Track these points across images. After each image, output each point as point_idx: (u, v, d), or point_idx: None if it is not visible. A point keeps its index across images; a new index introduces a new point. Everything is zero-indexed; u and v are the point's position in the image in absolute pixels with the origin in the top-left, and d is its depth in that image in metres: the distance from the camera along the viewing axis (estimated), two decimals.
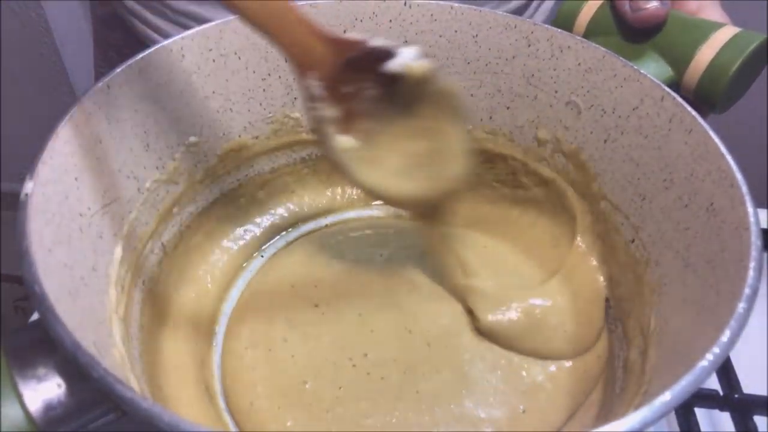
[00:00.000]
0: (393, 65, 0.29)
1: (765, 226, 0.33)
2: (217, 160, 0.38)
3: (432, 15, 0.38)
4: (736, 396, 0.34)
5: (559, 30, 0.36)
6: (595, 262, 0.37)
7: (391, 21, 0.38)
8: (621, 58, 0.34)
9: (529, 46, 0.37)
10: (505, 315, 0.35)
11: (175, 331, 0.34)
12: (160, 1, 0.47)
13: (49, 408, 0.23)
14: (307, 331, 0.35)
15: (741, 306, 0.22)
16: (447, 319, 0.36)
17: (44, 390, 0.23)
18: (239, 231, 0.41)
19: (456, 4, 0.37)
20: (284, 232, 0.42)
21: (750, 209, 0.26)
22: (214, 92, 0.36)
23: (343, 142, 0.30)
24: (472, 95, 0.39)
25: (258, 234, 0.41)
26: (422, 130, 0.32)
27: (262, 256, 0.41)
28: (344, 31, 0.38)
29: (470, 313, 0.36)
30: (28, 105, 1.36)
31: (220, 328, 0.36)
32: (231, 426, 0.32)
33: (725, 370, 0.35)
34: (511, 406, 0.32)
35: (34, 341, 0.23)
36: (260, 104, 0.38)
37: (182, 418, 0.19)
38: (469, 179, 0.33)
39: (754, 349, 0.39)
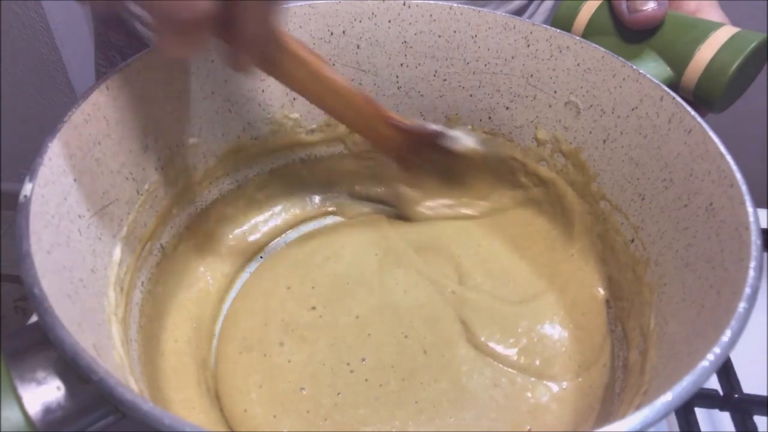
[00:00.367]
0: (446, 142, 0.39)
1: (765, 226, 0.33)
2: (217, 161, 0.38)
3: (431, 15, 0.38)
4: (736, 396, 0.34)
5: (558, 30, 0.36)
6: (592, 271, 0.36)
7: (390, 21, 0.38)
8: (620, 58, 0.34)
9: (528, 46, 0.37)
10: (499, 338, 0.34)
11: (174, 332, 0.34)
12: None
13: (48, 411, 0.22)
14: (303, 334, 0.35)
15: (741, 306, 0.22)
16: (442, 327, 0.35)
17: (43, 393, 0.23)
18: (238, 232, 0.41)
19: (455, 5, 0.37)
20: (284, 234, 0.42)
21: (750, 209, 0.26)
22: (213, 93, 0.36)
23: (408, 192, 0.42)
24: (471, 95, 0.40)
25: (257, 235, 0.41)
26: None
27: (261, 257, 0.41)
28: (343, 32, 0.38)
29: (464, 322, 0.36)
30: (28, 105, 1.36)
31: (218, 330, 0.36)
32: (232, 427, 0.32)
33: (725, 370, 0.35)
34: (515, 423, 0.31)
35: (34, 343, 0.23)
36: (259, 105, 0.38)
37: (183, 420, 0.19)
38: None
39: (754, 349, 0.39)
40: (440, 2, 0.38)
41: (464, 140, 0.39)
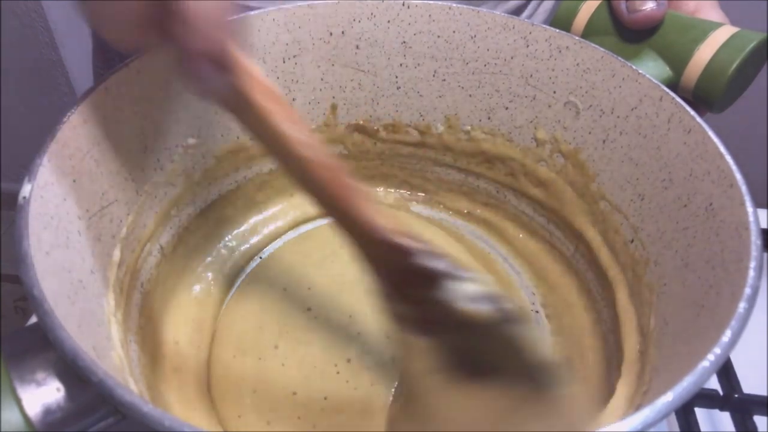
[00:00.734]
0: (449, 296, 0.25)
1: (765, 226, 0.33)
2: (216, 161, 0.38)
3: (430, 15, 0.38)
4: (736, 396, 0.34)
5: (558, 30, 0.36)
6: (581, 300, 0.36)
7: (389, 22, 0.38)
8: (619, 58, 0.34)
9: (528, 46, 0.37)
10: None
11: (174, 333, 0.34)
12: None
13: (48, 412, 0.22)
14: (298, 336, 0.35)
15: (742, 306, 0.22)
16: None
17: (43, 394, 0.23)
18: (237, 233, 0.41)
19: (454, 5, 0.37)
20: (283, 234, 0.42)
21: (750, 209, 0.26)
22: None
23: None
24: (470, 95, 0.39)
25: (256, 236, 0.41)
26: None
27: (260, 258, 0.41)
28: (342, 33, 0.38)
29: None
30: (28, 105, 1.36)
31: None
32: None
33: (725, 370, 0.35)
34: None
35: (33, 344, 0.23)
36: None
37: (183, 422, 0.19)
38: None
39: (754, 349, 0.39)
40: (439, 2, 0.38)
41: (473, 298, 0.25)
